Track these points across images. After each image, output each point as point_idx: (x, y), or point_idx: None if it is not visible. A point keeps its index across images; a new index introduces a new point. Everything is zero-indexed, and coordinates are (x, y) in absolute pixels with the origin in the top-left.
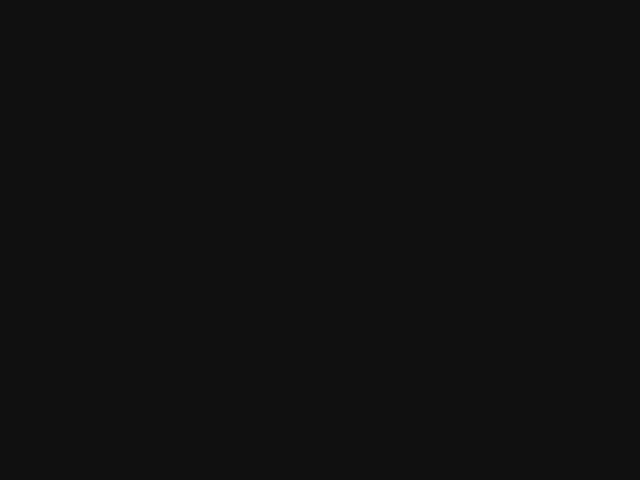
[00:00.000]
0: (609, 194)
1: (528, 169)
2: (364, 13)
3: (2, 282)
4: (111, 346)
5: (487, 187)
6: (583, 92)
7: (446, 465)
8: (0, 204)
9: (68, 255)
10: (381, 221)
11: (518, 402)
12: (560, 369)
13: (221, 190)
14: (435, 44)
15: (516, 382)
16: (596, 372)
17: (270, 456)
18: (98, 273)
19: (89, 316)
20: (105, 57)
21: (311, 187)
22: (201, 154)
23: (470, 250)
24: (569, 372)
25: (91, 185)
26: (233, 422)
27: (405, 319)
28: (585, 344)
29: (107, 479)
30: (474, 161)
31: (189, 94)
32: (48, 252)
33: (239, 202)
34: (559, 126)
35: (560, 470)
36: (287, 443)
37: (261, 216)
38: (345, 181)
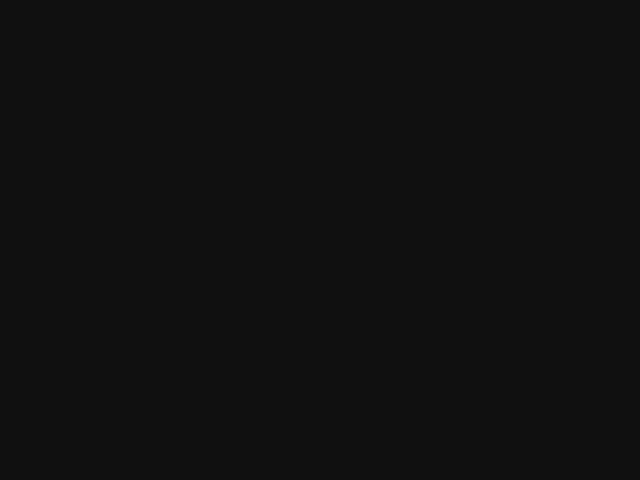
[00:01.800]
0: (609, 194)
1: (528, 169)
2: (364, 13)
3: (2, 282)
4: (111, 346)
5: (487, 187)
6: (583, 92)
7: (446, 465)
8: (0, 204)
9: (68, 255)
10: (381, 221)
11: (518, 402)
12: (560, 369)
13: (221, 190)
14: (435, 44)
15: (516, 382)
16: (596, 372)
17: (270, 456)
18: (98, 273)
19: (89, 316)
20: (105, 57)
21: (311, 187)
22: (201, 154)
23: (470, 250)
24: (569, 372)
25: (91, 185)
26: (233, 422)
27: (405, 319)
28: (585, 344)
29: (107, 479)
30: (474, 161)
31: (189, 94)
32: (48, 252)
33: (239, 202)
34: (559, 126)
35: (560, 470)
36: (287, 443)
37: (261, 216)
38: (345, 181)
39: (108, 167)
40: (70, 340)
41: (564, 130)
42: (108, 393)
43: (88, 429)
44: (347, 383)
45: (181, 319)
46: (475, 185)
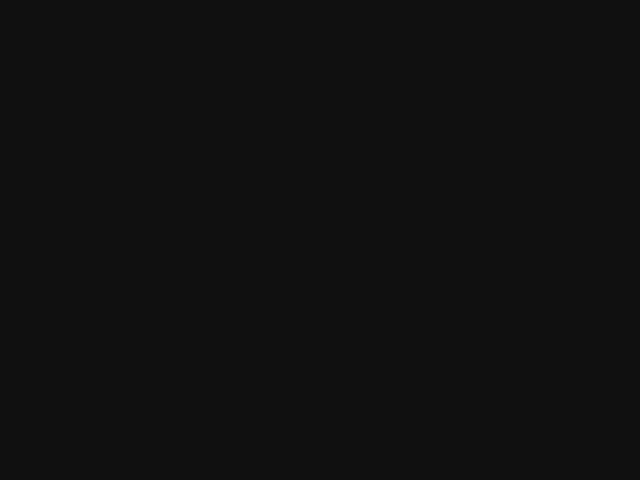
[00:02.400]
0: (609, 194)
1: (528, 169)
2: (364, 13)
3: (2, 282)
4: (111, 346)
5: (487, 187)
6: (583, 92)
7: (446, 465)
8: (0, 204)
9: (68, 255)
10: (381, 221)
11: (518, 402)
12: (560, 369)
13: (221, 190)
14: (435, 44)
15: (516, 382)
16: (596, 372)
17: (270, 456)
18: (98, 273)
19: (89, 316)
20: (105, 57)
21: (311, 187)
22: (201, 154)
23: (470, 250)
24: (569, 372)
25: (91, 185)
26: (233, 422)
27: (405, 319)
28: (585, 344)
29: (107, 479)
30: (474, 161)
31: (189, 94)
32: (48, 252)
33: (239, 202)
34: (559, 126)
35: (560, 470)
36: (287, 443)
37: (261, 216)
38: (345, 181)
39: (108, 167)
40: (70, 340)
41: (564, 130)
42: (108, 393)
43: (88, 429)
44: (347, 383)
45: (181, 319)
46: (475, 185)
